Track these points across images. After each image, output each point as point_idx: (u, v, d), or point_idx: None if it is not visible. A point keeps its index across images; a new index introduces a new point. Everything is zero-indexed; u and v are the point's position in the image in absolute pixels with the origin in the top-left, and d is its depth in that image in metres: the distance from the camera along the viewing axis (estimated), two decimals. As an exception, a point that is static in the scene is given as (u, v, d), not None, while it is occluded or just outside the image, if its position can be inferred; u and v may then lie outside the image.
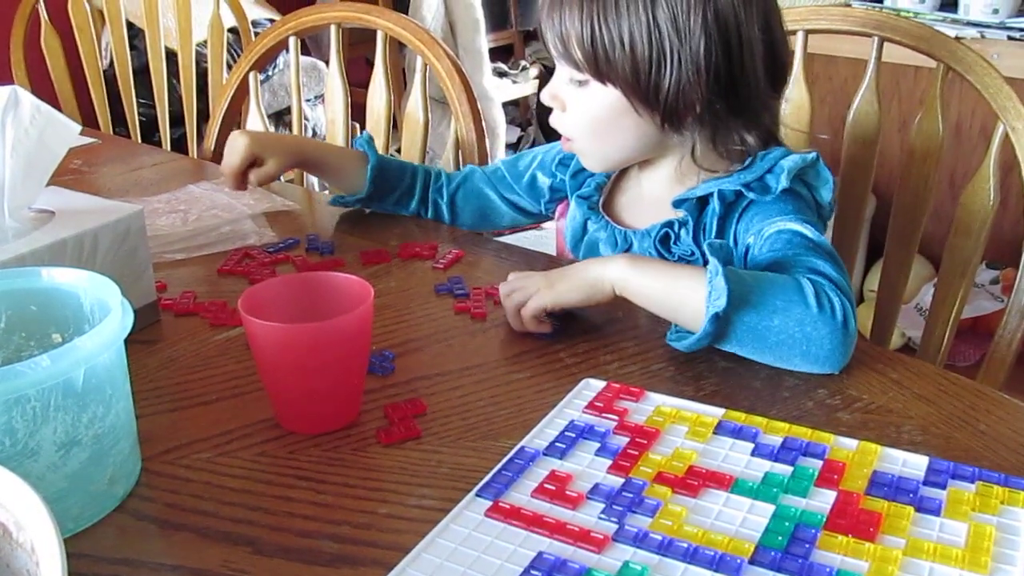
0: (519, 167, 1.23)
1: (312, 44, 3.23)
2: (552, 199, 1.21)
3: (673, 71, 0.92)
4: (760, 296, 0.81)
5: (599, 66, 0.94)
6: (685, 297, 0.84)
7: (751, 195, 0.95)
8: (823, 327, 0.80)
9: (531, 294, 0.91)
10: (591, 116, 0.99)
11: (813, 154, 0.96)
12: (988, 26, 2.01)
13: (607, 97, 0.96)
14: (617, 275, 0.88)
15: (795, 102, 1.26)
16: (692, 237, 0.99)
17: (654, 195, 1.04)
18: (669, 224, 1.00)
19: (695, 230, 0.99)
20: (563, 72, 0.99)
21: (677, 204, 0.99)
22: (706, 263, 0.89)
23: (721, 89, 0.94)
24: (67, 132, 0.87)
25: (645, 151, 1.02)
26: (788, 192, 0.94)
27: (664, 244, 1.02)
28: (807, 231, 0.90)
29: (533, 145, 3.58)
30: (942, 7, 2.17)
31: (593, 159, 1.04)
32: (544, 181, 1.20)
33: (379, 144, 1.52)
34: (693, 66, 0.92)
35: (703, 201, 0.98)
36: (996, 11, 2.02)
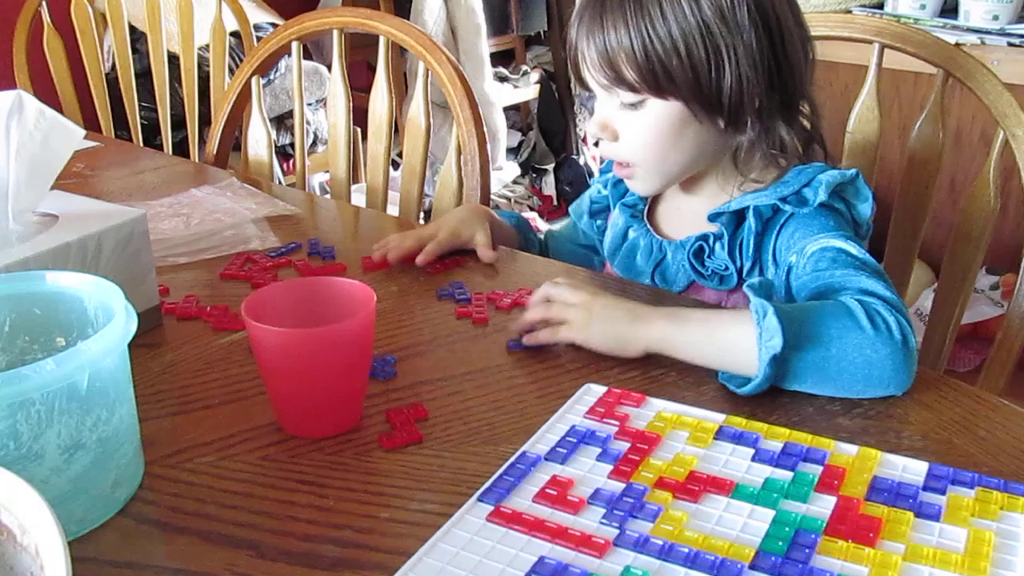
0: (579, 210, 1.22)
1: (313, 48, 3.24)
2: (593, 212, 1.19)
3: (732, 68, 0.90)
4: (813, 328, 0.78)
5: (659, 81, 0.91)
6: (732, 343, 0.80)
7: (788, 208, 0.93)
8: (882, 348, 0.77)
9: (566, 320, 0.88)
10: (653, 135, 0.95)
11: (853, 171, 0.94)
12: (988, 32, 2.01)
13: (668, 111, 0.94)
14: (658, 336, 0.84)
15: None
16: (727, 252, 0.97)
17: (692, 205, 1.03)
18: (704, 237, 0.99)
19: (730, 245, 0.97)
20: (610, 99, 0.96)
21: (712, 218, 0.97)
22: (740, 280, 0.89)
23: (771, 82, 0.93)
24: (71, 136, 0.87)
25: (705, 159, 0.99)
26: (826, 208, 0.92)
27: (698, 257, 1.00)
28: (851, 248, 0.87)
29: (534, 150, 3.59)
30: (942, 13, 2.17)
31: (653, 181, 1.00)
32: (589, 198, 1.19)
33: (380, 149, 1.53)
34: (748, 59, 0.90)
35: (740, 216, 0.97)
36: (996, 17, 2.03)
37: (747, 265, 0.97)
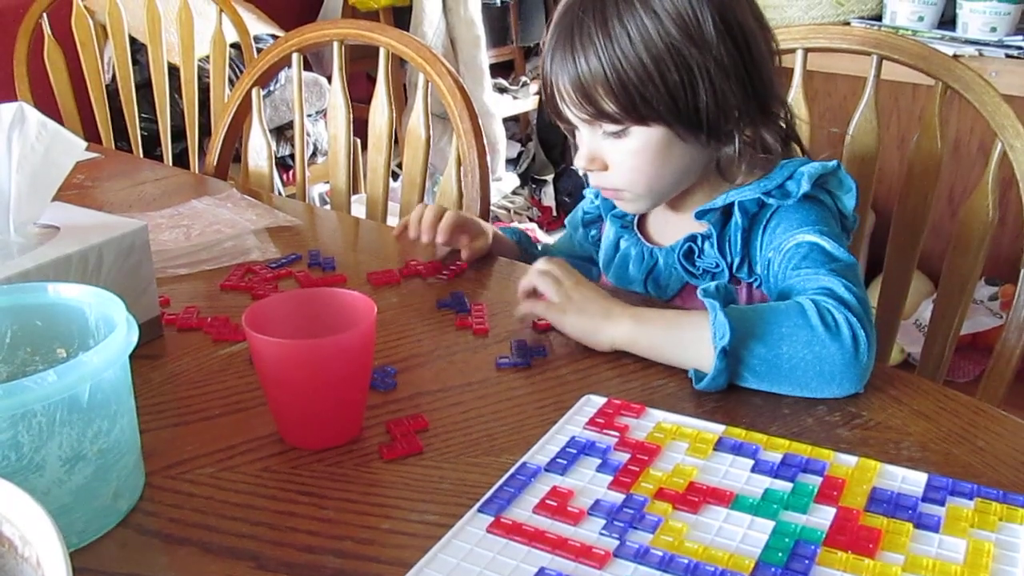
0: (575, 221, 1.23)
1: (313, 59, 3.25)
2: (586, 223, 1.20)
3: (706, 85, 0.91)
4: (764, 326, 0.81)
5: (638, 109, 0.92)
6: (691, 341, 0.84)
7: (772, 201, 0.94)
8: (831, 346, 0.80)
9: (549, 297, 0.94)
10: (640, 161, 0.96)
11: (834, 162, 0.96)
12: (986, 44, 2.01)
13: (652, 136, 0.94)
14: (624, 335, 0.89)
15: (794, 119, 1.26)
16: (717, 250, 0.98)
17: (680, 212, 1.04)
18: (692, 238, 1.00)
19: (719, 243, 0.98)
20: (593, 130, 0.97)
21: (700, 215, 0.98)
22: (732, 277, 0.90)
23: (745, 90, 0.93)
24: (73, 148, 0.88)
25: (694, 174, 1.00)
26: (811, 200, 0.94)
27: (688, 258, 1.01)
28: (825, 243, 0.89)
29: (533, 160, 3.60)
30: (940, 25, 2.18)
31: (645, 201, 1.01)
32: (581, 209, 1.20)
33: (381, 160, 1.53)
34: (720, 73, 0.91)
35: (727, 214, 0.98)
36: (994, 29, 2.04)
37: (736, 261, 0.98)
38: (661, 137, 0.94)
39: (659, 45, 0.90)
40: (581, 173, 1.06)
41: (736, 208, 0.96)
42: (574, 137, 1.02)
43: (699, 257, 1.01)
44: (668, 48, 0.90)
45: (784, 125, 1.00)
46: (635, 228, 1.09)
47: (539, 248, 1.28)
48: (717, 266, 0.99)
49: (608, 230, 1.12)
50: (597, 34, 0.91)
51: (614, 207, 1.10)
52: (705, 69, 0.91)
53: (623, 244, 1.09)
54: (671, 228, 1.05)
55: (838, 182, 0.96)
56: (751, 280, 0.99)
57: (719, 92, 0.91)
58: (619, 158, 0.97)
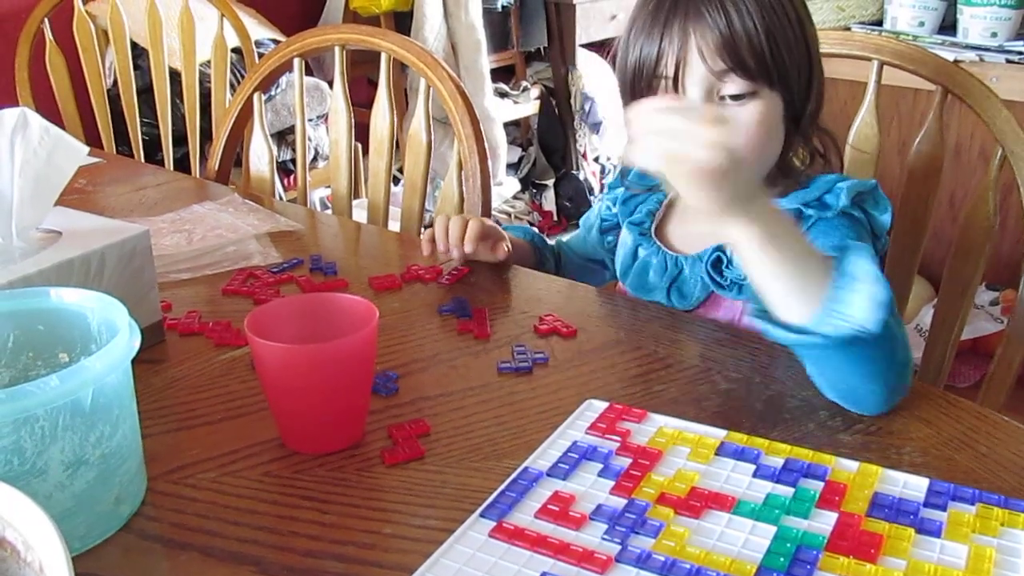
0: (589, 222, 1.22)
1: (314, 64, 3.25)
2: (603, 229, 1.18)
3: (817, 68, 0.90)
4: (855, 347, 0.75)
5: (778, 70, 0.88)
6: (811, 290, 0.74)
7: (810, 212, 0.91)
8: (886, 383, 0.78)
9: (695, 157, 0.69)
10: (757, 131, 0.90)
11: (872, 181, 0.94)
12: (987, 49, 2.02)
13: (770, 106, 0.90)
14: (743, 237, 0.73)
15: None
16: None
17: (703, 219, 1.01)
18: (720, 248, 0.98)
19: None
20: (708, 99, 0.90)
21: None
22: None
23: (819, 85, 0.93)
24: (75, 153, 0.88)
25: (765, 170, 0.95)
26: (847, 217, 0.91)
27: (715, 267, 0.99)
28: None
29: (534, 165, 3.60)
30: (941, 31, 2.18)
31: None
32: (598, 215, 1.19)
33: (382, 164, 1.53)
34: (819, 63, 0.91)
35: None
36: (995, 35, 2.04)
37: None
38: (777, 110, 0.91)
39: (790, 15, 0.89)
40: (590, 175, 1.03)
41: None
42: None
43: (727, 267, 0.98)
44: (797, 21, 0.89)
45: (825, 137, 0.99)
46: (653, 235, 1.08)
47: (552, 244, 1.27)
48: (745, 278, 0.96)
49: (625, 237, 1.10)
50: None
51: (632, 213, 1.09)
52: (816, 53, 0.91)
53: (642, 252, 1.07)
54: (696, 236, 1.03)
55: (874, 201, 0.94)
56: None
57: (815, 74, 0.91)
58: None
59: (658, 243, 1.06)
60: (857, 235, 0.91)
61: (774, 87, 0.90)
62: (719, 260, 0.99)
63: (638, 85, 0.93)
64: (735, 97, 0.90)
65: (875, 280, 0.72)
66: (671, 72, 0.90)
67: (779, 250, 0.73)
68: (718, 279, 1.00)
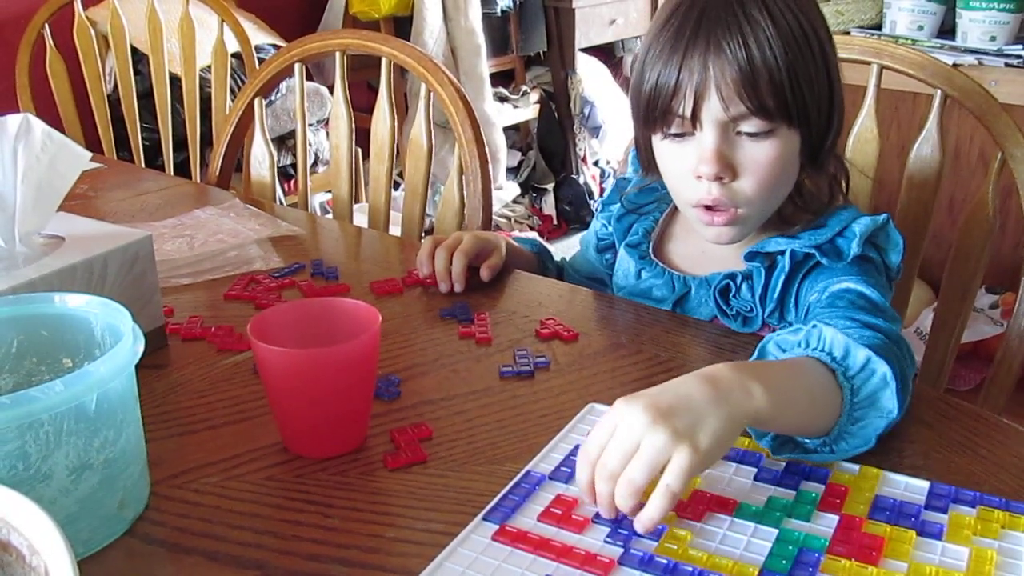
0: (587, 240, 1.20)
1: (314, 69, 3.25)
2: (600, 249, 1.16)
3: (838, 100, 0.89)
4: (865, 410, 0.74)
5: (798, 106, 0.86)
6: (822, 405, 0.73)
7: (823, 259, 0.90)
8: (883, 422, 0.74)
9: (663, 460, 0.62)
10: (773, 170, 0.89)
11: (884, 216, 0.92)
12: (986, 53, 2.02)
13: (788, 143, 0.88)
14: (762, 407, 0.67)
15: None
16: (757, 293, 0.95)
17: (719, 249, 0.98)
18: (731, 276, 0.97)
19: (756, 286, 0.95)
20: (725, 134, 0.88)
21: (750, 257, 0.94)
22: (763, 323, 0.90)
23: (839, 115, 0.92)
24: (77, 159, 0.88)
25: (778, 203, 0.94)
26: (859, 257, 0.90)
27: (723, 295, 0.98)
28: (869, 292, 0.86)
29: (534, 169, 3.60)
30: (940, 35, 2.18)
31: (749, 225, 0.94)
32: (594, 234, 1.17)
33: (382, 169, 1.54)
34: (840, 94, 0.89)
35: (769, 257, 0.94)
36: (994, 39, 2.04)
37: (770, 308, 0.95)
38: (793, 147, 0.89)
39: (814, 48, 0.86)
40: (590, 179, 1.02)
41: (786, 255, 0.92)
42: (678, 136, 0.91)
43: (734, 296, 0.97)
44: (819, 57, 0.87)
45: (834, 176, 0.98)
46: (652, 256, 1.05)
47: (557, 263, 1.26)
48: (751, 310, 0.96)
49: (624, 259, 1.08)
50: (766, 20, 0.85)
51: (626, 234, 1.07)
52: (837, 89, 0.89)
53: (645, 275, 1.04)
54: (706, 260, 1.01)
55: (886, 236, 0.93)
56: (780, 326, 0.96)
57: (836, 106, 0.90)
58: (752, 165, 0.88)
59: (662, 265, 1.04)
60: (866, 272, 0.90)
61: (792, 125, 0.88)
62: (727, 288, 0.98)
63: (652, 114, 0.91)
64: (751, 135, 0.88)
65: (883, 383, 0.73)
66: (688, 110, 0.88)
67: (779, 422, 0.71)
68: (724, 306, 0.98)
